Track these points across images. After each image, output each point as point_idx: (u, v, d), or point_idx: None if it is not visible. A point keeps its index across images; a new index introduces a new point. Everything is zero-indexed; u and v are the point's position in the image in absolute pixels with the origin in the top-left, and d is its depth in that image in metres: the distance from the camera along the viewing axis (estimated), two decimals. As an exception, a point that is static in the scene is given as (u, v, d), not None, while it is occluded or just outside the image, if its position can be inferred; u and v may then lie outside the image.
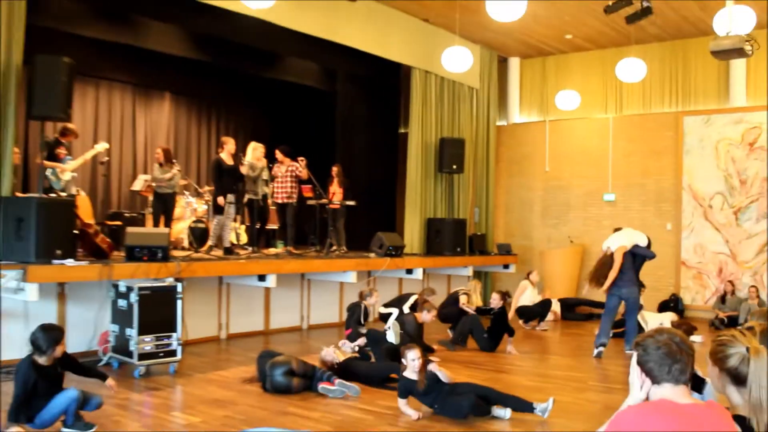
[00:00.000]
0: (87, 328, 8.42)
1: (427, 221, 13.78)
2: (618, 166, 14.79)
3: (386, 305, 10.26)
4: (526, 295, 12.49)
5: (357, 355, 8.26)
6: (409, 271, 12.46)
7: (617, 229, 10.42)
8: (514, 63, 16.28)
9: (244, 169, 10.62)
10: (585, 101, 14.88)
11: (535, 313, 12.17)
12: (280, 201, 11.65)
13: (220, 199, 10.41)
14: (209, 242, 10.69)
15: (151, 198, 11.40)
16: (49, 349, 5.34)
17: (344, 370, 7.47)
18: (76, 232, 8.25)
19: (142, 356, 7.58)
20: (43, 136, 8.96)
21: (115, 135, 14.07)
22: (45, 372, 5.35)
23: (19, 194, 8.95)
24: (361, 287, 10.97)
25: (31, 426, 5.25)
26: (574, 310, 13.36)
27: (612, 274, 9.41)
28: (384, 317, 9.81)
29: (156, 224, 10.64)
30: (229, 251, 10.45)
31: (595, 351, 9.51)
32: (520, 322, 11.95)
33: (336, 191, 12.17)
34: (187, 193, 12.59)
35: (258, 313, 10.91)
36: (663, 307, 12.92)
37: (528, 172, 16.01)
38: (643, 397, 2.64)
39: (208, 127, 15.93)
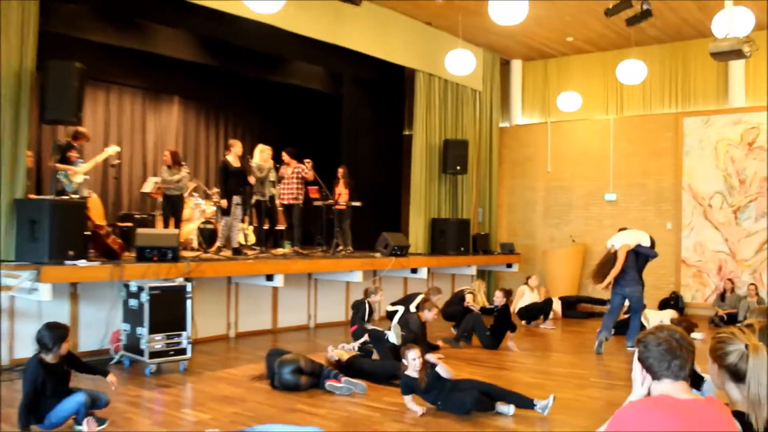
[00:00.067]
0: (99, 327, 8.46)
1: (431, 221, 13.78)
2: (619, 167, 14.78)
3: (394, 304, 10.28)
4: (525, 299, 12.53)
5: (359, 353, 8.26)
6: (414, 271, 12.47)
7: (622, 229, 10.43)
8: (516, 65, 16.27)
9: (253, 173, 10.65)
10: (586, 103, 14.86)
11: (536, 311, 12.15)
12: (286, 202, 11.69)
13: (224, 201, 10.45)
14: (218, 243, 10.71)
15: (160, 200, 11.43)
16: (54, 346, 5.34)
17: (351, 368, 7.49)
18: (88, 233, 8.29)
19: (153, 354, 7.60)
20: (56, 140, 8.99)
21: (126, 138, 14.10)
22: (52, 370, 5.36)
23: (32, 197, 8.98)
24: (370, 284, 10.99)
25: (41, 427, 5.26)
26: (575, 308, 13.35)
27: (614, 272, 9.43)
28: (390, 315, 9.84)
29: (166, 225, 10.66)
30: (238, 252, 10.47)
31: (597, 342, 9.55)
32: (522, 323, 11.93)
33: (342, 192, 12.20)
34: (196, 194, 12.61)
35: (266, 312, 10.93)
36: (664, 305, 12.91)
37: (530, 172, 16.00)
38: (644, 392, 2.65)
39: (216, 130, 15.94)
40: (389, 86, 14.58)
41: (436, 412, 6.14)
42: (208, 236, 11.43)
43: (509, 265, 14.89)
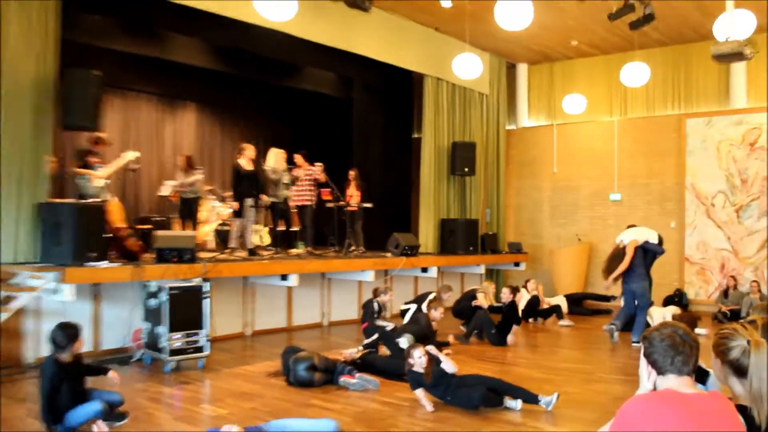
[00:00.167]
0: (120, 326, 8.52)
1: (440, 222, 13.78)
2: (623, 167, 14.75)
3: (407, 303, 10.34)
4: (523, 301, 12.47)
5: (367, 350, 8.28)
6: (425, 270, 12.49)
7: (631, 226, 10.44)
8: (522, 69, 16.26)
9: (268, 176, 10.71)
10: (591, 105, 14.83)
11: (536, 308, 12.12)
12: (299, 204, 11.72)
13: (235, 204, 10.51)
14: (230, 244, 10.76)
15: (177, 203, 11.47)
16: (68, 345, 5.36)
17: (364, 365, 7.52)
18: (108, 235, 8.34)
19: (173, 352, 7.66)
20: (77, 146, 9.05)
21: (143, 143, 14.14)
22: (67, 369, 5.37)
23: (54, 201, 9.05)
24: (379, 285, 11.01)
25: (59, 427, 5.27)
26: (581, 305, 13.32)
27: (622, 267, 9.48)
28: (403, 313, 9.90)
29: (183, 227, 10.72)
30: (253, 252, 10.51)
31: (606, 327, 9.74)
32: (530, 321, 11.94)
33: (353, 194, 12.23)
34: (212, 197, 12.66)
35: (281, 311, 10.97)
36: (668, 302, 12.88)
37: (537, 173, 15.99)
38: (650, 387, 2.66)
39: (230, 135, 15.97)
40: (398, 90, 14.59)
41: (446, 407, 6.16)
42: (224, 238, 11.49)
43: (517, 264, 14.87)
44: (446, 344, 9.28)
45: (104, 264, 7.76)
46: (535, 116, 16.34)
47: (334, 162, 13.15)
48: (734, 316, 11.62)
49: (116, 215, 8.97)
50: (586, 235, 15.10)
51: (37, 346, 7.85)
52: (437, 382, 6.28)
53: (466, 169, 13.88)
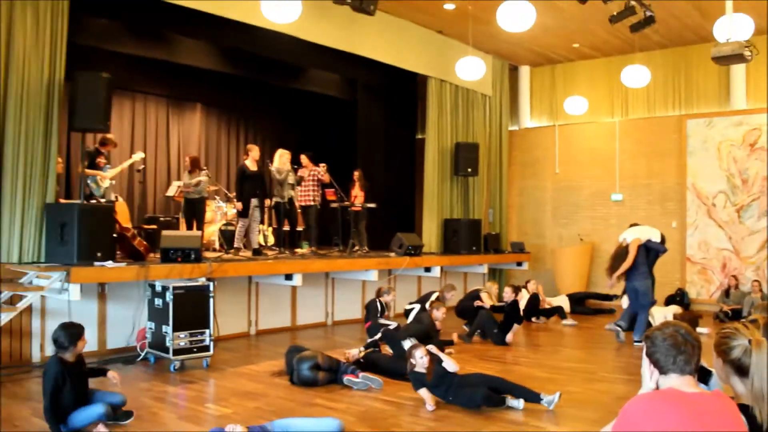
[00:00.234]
0: (126, 326, 8.50)
1: (444, 222, 13.75)
2: (625, 168, 14.71)
3: (411, 303, 10.34)
4: (523, 302, 12.46)
5: (369, 350, 8.24)
6: (428, 270, 12.46)
7: (633, 225, 10.41)
8: (524, 71, 16.23)
9: (273, 176, 10.71)
10: (592, 106, 14.81)
11: (536, 309, 12.10)
12: (303, 204, 11.75)
13: (239, 204, 10.50)
14: (235, 244, 10.76)
15: (183, 202, 11.48)
16: (71, 345, 5.33)
17: (368, 364, 7.49)
18: (115, 235, 8.33)
19: (177, 351, 7.63)
20: (84, 147, 9.05)
21: (150, 144, 14.17)
22: (71, 368, 5.33)
23: (62, 201, 9.06)
24: (383, 284, 11.00)
25: (63, 428, 5.24)
26: (583, 304, 13.27)
27: (625, 265, 9.46)
28: (407, 313, 9.88)
29: (189, 228, 10.71)
30: (258, 252, 10.50)
31: (609, 326, 9.84)
32: (534, 319, 11.91)
33: (358, 194, 12.24)
34: (217, 197, 12.67)
35: (285, 311, 10.94)
36: (669, 301, 12.83)
37: (539, 174, 15.96)
38: (653, 387, 2.64)
39: (237, 136, 15.99)
40: (402, 92, 14.57)
41: (449, 406, 6.12)
42: (229, 238, 11.48)
43: (519, 264, 14.84)
44: (450, 343, 9.25)
45: (110, 264, 7.74)
46: (537, 117, 16.30)
47: (339, 163, 13.17)
48: (736, 315, 11.57)
49: (122, 215, 8.97)
50: (588, 235, 15.06)
51: (42, 346, 7.84)
52: (439, 381, 6.25)
53: (469, 170, 13.85)
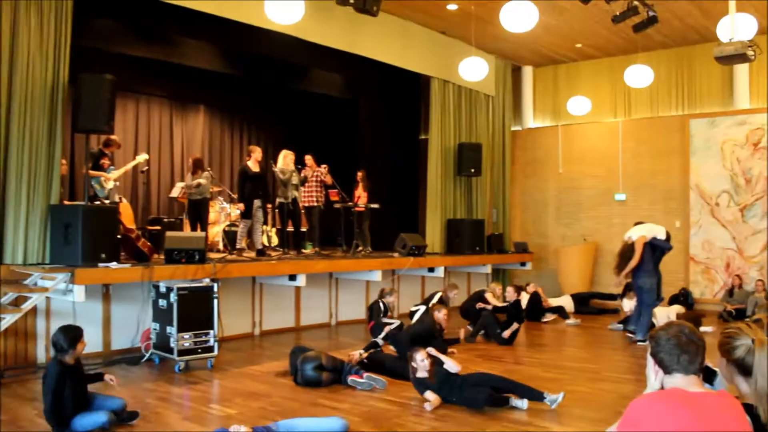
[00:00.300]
0: (130, 327, 8.51)
1: (447, 222, 13.75)
2: (628, 167, 14.69)
3: (417, 305, 10.37)
4: (523, 302, 12.50)
5: (372, 350, 8.25)
6: (431, 270, 12.46)
7: (638, 223, 10.42)
8: (527, 71, 16.21)
9: (276, 177, 10.74)
10: (595, 106, 14.78)
11: (538, 308, 12.13)
12: (307, 204, 11.77)
13: (241, 205, 10.52)
14: (239, 245, 10.78)
15: (186, 204, 11.50)
16: (71, 347, 5.32)
17: (372, 364, 7.49)
18: (119, 236, 8.34)
19: (182, 352, 7.64)
20: (88, 148, 9.07)
21: (154, 145, 14.21)
22: (71, 371, 5.33)
23: (66, 202, 9.07)
24: (386, 285, 11.02)
25: (65, 430, 5.24)
26: (587, 304, 13.26)
27: (633, 262, 9.49)
28: (412, 314, 9.90)
29: (194, 229, 10.73)
30: (261, 253, 10.51)
31: (613, 326, 10.23)
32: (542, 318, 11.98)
33: (361, 195, 12.26)
34: (221, 198, 12.68)
35: (289, 311, 10.95)
36: (673, 301, 12.79)
37: (542, 174, 15.94)
38: (657, 386, 2.64)
39: (240, 137, 16.02)
40: (405, 92, 14.58)
41: (452, 406, 6.12)
42: (233, 238, 11.49)
43: (523, 264, 14.85)
44: (456, 341, 9.23)
45: (114, 265, 7.75)
46: (540, 117, 16.29)
47: (342, 163, 13.19)
48: (740, 314, 11.55)
49: (126, 216, 8.99)
50: (592, 234, 15.04)
51: (47, 347, 7.84)
52: (442, 383, 6.25)
53: (473, 170, 13.85)
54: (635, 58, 12.84)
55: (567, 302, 12.79)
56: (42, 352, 7.87)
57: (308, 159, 11.92)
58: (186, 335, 7.66)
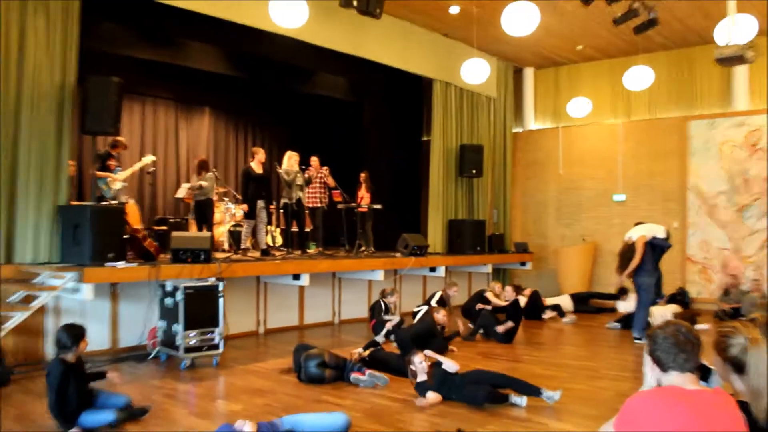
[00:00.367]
0: (137, 325, 8.54)
1: (448, 222, 13.77)
2: (627, 168, 14.69)
3: (419, 305, 10.41)
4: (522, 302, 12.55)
5: (373, 348, 8.27)
6: (433, 269, 12.48)
7: (638, 223, 10.45)
8: (528, 73, 16.22)
9: (281, 177, 10.79)
10: (596, 108, 14.78)
11: (537, 306, 12.19)
12: (311, 205, 11.81)
13: (244, 206, 10.55)
14: (243, 245, 10.80)
15: (192, 204, 11.53)
16: (74, 345, 5.34)
17: (374, 362, 7.51)
18: (126, 236, 8.37)
19: (188, 350, 7.67)
20: (96, 149, 9.10)
21: (160, 147, 14.24)
22: (73, 369, 5.34)
23: (74, 203, 9.10)
24: (388, 284, 11.06)
25: (71, 425, 5.25)
26: (587, 303, 13.27)
27: (634, 262, 9.55)
28: (415, 314, 9.93)
29: (199, 229, 10.75)
30: (266, 253, 10.54)
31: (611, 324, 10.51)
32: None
33: (364, 196, 12.29)
34: (226, 199, 12.71)
35: (293, 310, 10.98)
36: (670, 301, 12.77)
37: (543, 175, 15.95)
38: (654, 384, 2.66)
39: (244, 139, 16.05)
40: (408, 94, 14.59)
41: (453, 403, 6.14)
42: (237, 238, 11.52)
43: (523, 264, 14.86)
44: (456, 334, 9.21)
45: (122, 264, 7.78)
46: (541, 119, 16.30)
47: (346, 164, 13.23)
48: (735, 313, 11.56)
49: (133, 217, 9.01)
50: (591, 235, 15.05)
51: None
52: (441, 383, 6.27)
53: (474, 171, 13.86)
54: (635, 60, 12.84)
55: (566, 302, 12.81)
56: (51, 350, 7.89)
57: (314, 161, 11.99)
58: (192, 333, 7.69)
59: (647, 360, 2.71)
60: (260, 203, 10.59)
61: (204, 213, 10.83)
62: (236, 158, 15.81)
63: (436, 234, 13.50)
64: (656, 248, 9.77)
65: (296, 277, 9.88)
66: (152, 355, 8.16)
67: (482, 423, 5.59)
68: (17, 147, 7.75)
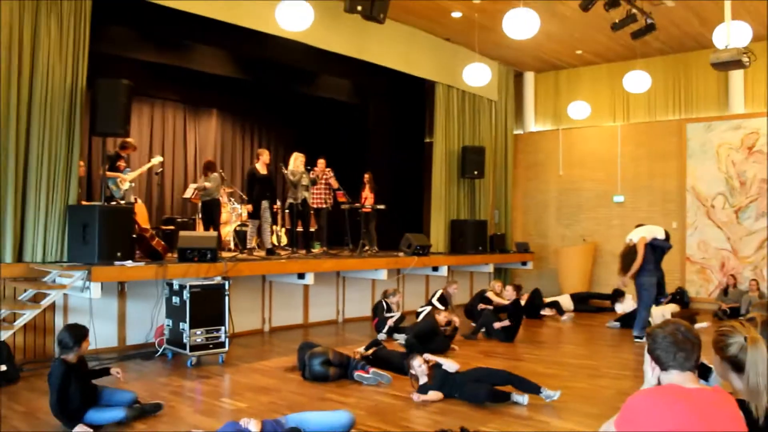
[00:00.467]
0: (144, 323, 8.54)
1: (451, 223, 13.75)
2: (626, 170, 14.66)
3: (423, 306, 10.42)
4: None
5: (376, 347, 8.25)
6: (435, 269, 12.46)
7: (639, 225, 10.45)
8: (529, 77, 16.20)
9: (286, 178, 10.80)
10: (595, 111, 14.76)
11: (538, 304, 12.18)
12: (315, 206, 11.81)
13: (249, 206, 10.55)
14: (249, 245, 10.80)
15: (200, 204, 11.53)
16: (76, 345, 5.29)
17: (377, 360, 7.49)
18: (134, 236, 8.37)
19: (194, 348, 7.66)
20: (105, 150, 9.11)
21: (168, 148, 14.23)
22: (75, 369, 5.31)
23: (84, 203, 9.11)
24: (391, 283, 11.06)
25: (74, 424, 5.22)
26: (587, 303, 13.25)
27: (636, 264, 9.55)
28: (418, 315, 9.93)
29: (207, 229, 10.76)
30: (271, 252, 10.53)
31: (611, 323, 10.60)
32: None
33: (368, 196, 12.29)
34: (232, 199, 12.71)
35: (298, 308, 10.96)
36: (669, 300, 12.78)
37: (543, 176, 15.93)
38: (654, 382, 2.65)
39: (251, 140, 16.03)
40: (411, 97, 14.58)
41: (455, 402, 6.12)
42: (243, 238, 11.52)
43: (524, 263, 14.84)
44: (455, 330, 9.18)
45: (130, 263, 7.78)
46: (541, 121, 16.28)
47: (350, 166, 13.21)
48: (734, 313, 11.54)
49: (141, 216, 9.02)
50: (591, 235, 15.02)
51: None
52: (442, 383, 6.25)
53: (476, 172, 13.84)
54: (633, 64, 12.83)
55: (566, 301, 12.79)
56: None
57: (320, 163, 12.04)
58: (198, 331, 7.68)
59: (647, 359, 2.69)
60: (264, 203, 10.58)
61: (211, 213, 10.83)
62: (243, 159, 15.80)
63: (438, 234, 13.48)
64: (657, 249, 9.78)
65: (301, 276, 9.87)
66: (159, 353, 8.15)
67: (484, 421, 5.56)
68: (29, 148, 7.76)
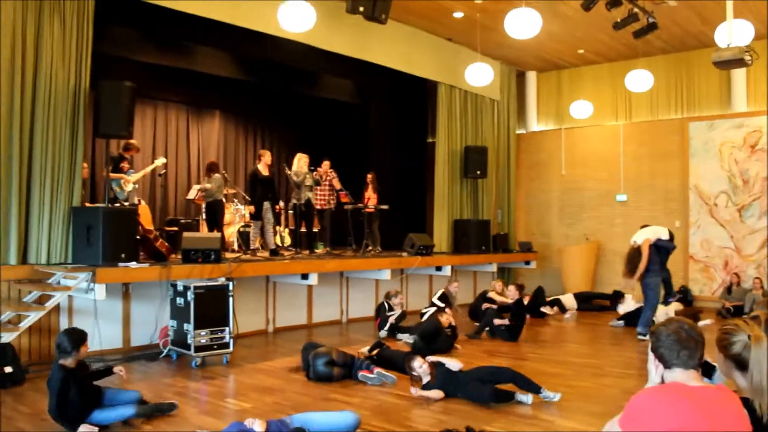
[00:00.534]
0: (149, 324, 8.54)
1: (454, 222, 13.74)
2: (629, 169, 14.64)
3: (427, 307, 10.42)
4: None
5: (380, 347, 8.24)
6: (439, 269, 12.46)
7: (644, 226, 10.46)
8: (531, 76, 16.20)
9: (290, 179, 10.81)
10: (597, 110, 14.75)
11: (540, 303, 12.21)
12: (319, 206, 11.81)
13: (251, 207, 10.56)
14: (253, 245, 10.81)
15: (203, 206, 11.54)
16: (74, 349, 5.26)
17: (381, 360, 7.49)
18: (138, 237, 8.38)
19: (198, 348, 7.66)
20: (109, 152, 9.12)
21: (171, 150, 14.24)
22: (74, 373, 5.28)
23: (87, 204, 9.12)
24: (395, 283, 11.05)
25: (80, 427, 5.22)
26: (590, 302, 13.24)
27: (642, 265, 9.58)
28: (422, 315, 9.93)
29: (210, 230, 10.76)
30: (275, 253, 10.53)
31: (614, 322, 10.61)
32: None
33: (371, 197, 12.28)
34: (235, 200, 12.71)
35: (301, 309, 10.96)
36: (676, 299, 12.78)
37: (546, 175, 15.92)
38: (658, 380, 2.65)
39: (254, 141, 16.04)
40: (413, 97, 14.57)
41: (459, 401, 6.11)
42: (247, 239, 11.53)
43: (527, 263, 14.83)
44: (454, 329, 9.19)
45: (134, 264, 7.79)
46: (543, 121, 16.27)
47: (353, 166, 13.22)
48: (737, 311, 11.51)
49: (145, 218, 9.02)
50: (594, 234, 15.01)
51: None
52: (445, 382, 6.25)
53: (479, 172, 13.83)
54: (636, 64, 12.81)
55: (570, 301, 12.78)
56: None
57: (324, 164, 12.06)
58: (202, 332, 7.68)
59: (651, 357, 2.69)
60: (266, 204, 10.58)
61: (214, 214, 10.83)
62: (246, 160, 15.81)
63: (441, 234, 13.47)
64: (661, 249, 9.80)
65: (305, 276, 9.87)
66: (163, 354, 8.15)
67: (488, 420, 5.56)
68: (32, 150, 7.76)
